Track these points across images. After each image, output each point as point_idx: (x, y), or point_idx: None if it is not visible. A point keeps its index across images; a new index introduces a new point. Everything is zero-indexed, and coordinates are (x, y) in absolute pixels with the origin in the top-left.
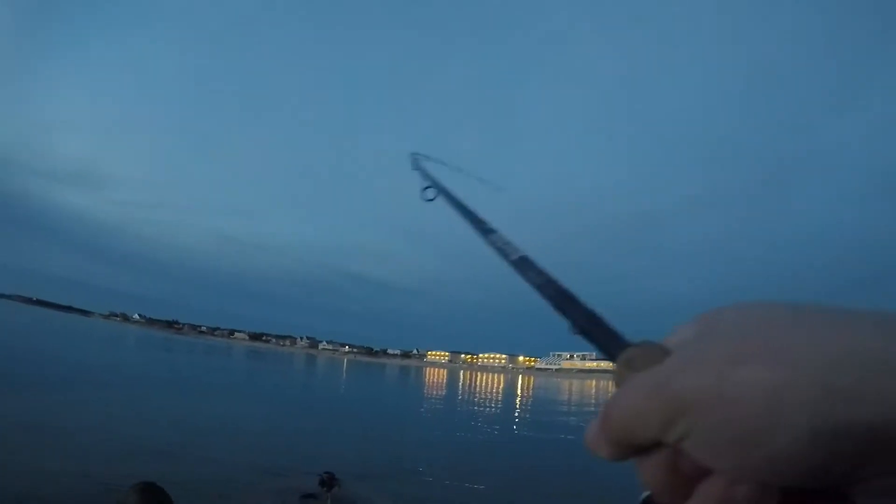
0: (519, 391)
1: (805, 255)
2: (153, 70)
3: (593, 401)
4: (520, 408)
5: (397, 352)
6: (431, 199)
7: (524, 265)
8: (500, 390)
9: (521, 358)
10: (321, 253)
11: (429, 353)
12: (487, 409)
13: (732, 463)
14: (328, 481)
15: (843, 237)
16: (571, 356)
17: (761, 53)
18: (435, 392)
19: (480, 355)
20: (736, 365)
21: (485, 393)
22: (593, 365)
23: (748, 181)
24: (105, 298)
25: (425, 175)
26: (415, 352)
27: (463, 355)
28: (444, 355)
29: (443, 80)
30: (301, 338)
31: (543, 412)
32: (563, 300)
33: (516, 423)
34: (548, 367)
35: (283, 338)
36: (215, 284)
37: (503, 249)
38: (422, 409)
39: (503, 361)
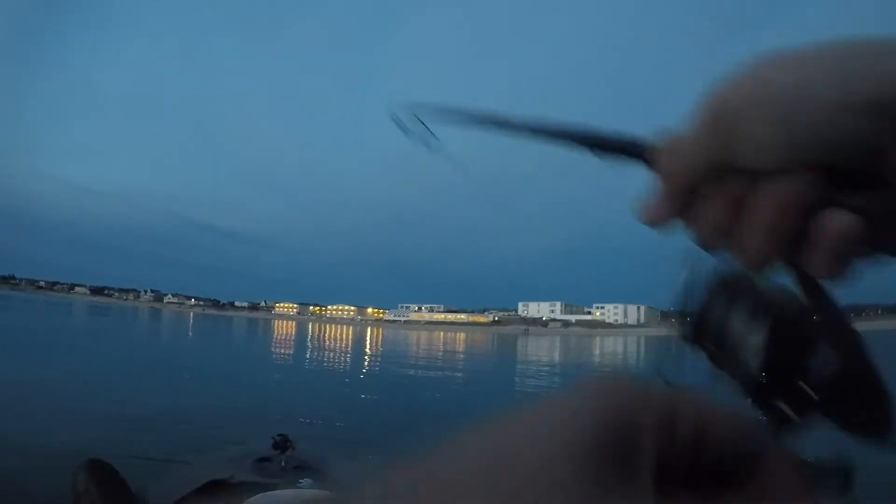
0: (376, 343)
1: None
2: None
3: (441, 349)
4: (388, 356)
5: (245, 304)
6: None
7: (541, 127)
8: (361, 342)
9: (369, 310)
10: (167, 201)
11: (277, 305)
12: (358, 360)
13: (780, 149)
14: (282, 443)
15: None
16: (419, 308)
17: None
18: (295, 344)
19: (329, 307)
20: (765, 69)
21: (344, 345)
22: (441, 317)
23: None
24: None
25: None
26: (263, 304)
27: (311, 307)
28: (292, 307)
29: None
30: (145, 291)
31: (415, 359)
32: (587, 139)
33: (395, 371)
34: (396, 319)
35: (127, 291)
36: (54, 235)
37: (525, 125)
38: (304, 364)
39: (352, 313)
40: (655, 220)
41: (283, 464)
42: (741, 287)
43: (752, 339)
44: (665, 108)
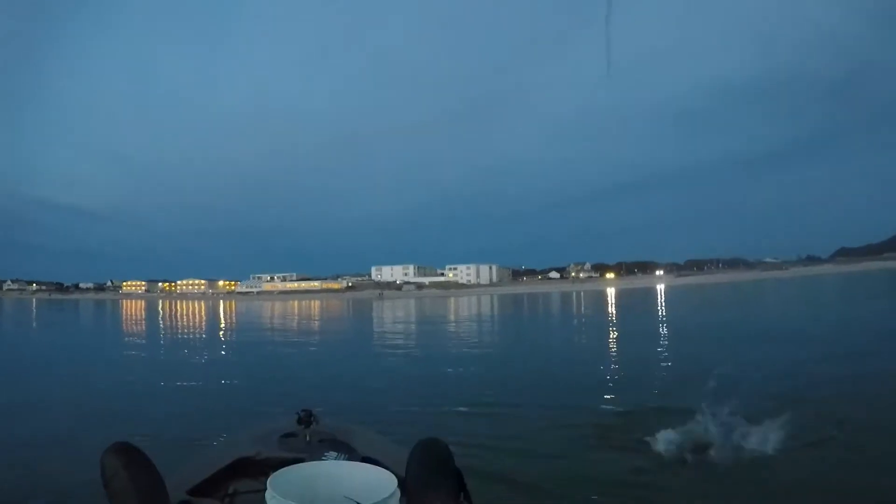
0: (230, 317)
1: (499, 181)
2: None
3: (296, 316)
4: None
5: (90, 285)
6: None
7: None
8: (214, 321)
9: (220, 283)
10: None
11: (124, 284)
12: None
13: None
14: (306, 418)
15: (536, 169)
16: (272, 278)
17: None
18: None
19: (179, 282)
20: None
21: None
22: (294, 286)
23: (452, 110)
24: None
25: None
26: (109, 284)
27: (161, 284)
28: (140, 285)
29: None
30: None
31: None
32: None
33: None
34: (249, 290)
35: None
36: None
37: None
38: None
39: (203, 287)
40: None
41: (308, 438)
42: None
43: None
44: None
